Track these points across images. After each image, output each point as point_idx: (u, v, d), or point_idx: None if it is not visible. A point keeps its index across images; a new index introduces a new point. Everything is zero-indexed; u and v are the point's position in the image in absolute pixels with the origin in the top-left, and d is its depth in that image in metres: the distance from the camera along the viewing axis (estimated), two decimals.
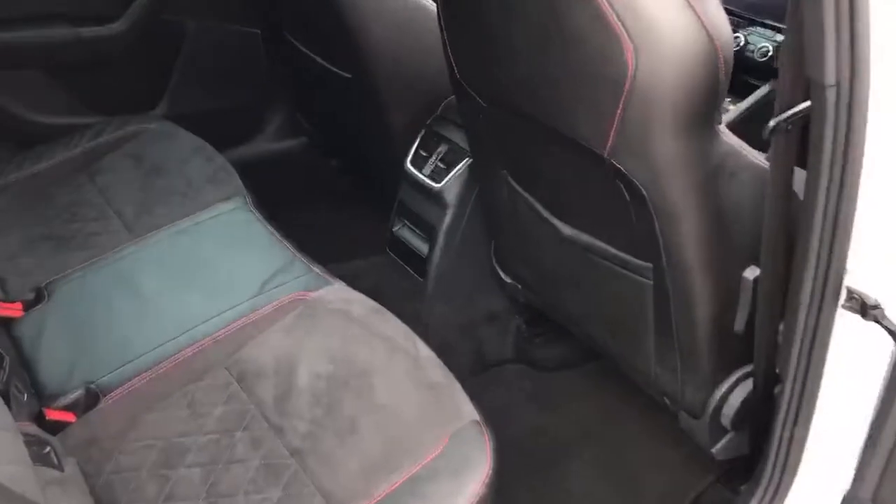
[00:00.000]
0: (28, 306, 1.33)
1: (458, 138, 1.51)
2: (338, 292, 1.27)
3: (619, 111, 0.91)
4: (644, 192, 0.97)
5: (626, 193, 1.01)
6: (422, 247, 1.56)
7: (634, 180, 0.97)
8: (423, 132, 1.57)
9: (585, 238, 1.19)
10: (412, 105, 1.57)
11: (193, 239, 1.42)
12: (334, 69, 1.65)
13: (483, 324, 1.64)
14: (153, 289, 1.31)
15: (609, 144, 0.95)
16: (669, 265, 1.04)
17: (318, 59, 1.71)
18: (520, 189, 1.29)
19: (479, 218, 1.51)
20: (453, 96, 1.51)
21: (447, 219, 1.49)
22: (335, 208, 2.06)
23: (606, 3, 0.86)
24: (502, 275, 1.53)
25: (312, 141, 2.15)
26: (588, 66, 0.92)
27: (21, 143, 1.80)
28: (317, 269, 1.33)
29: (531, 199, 1.27)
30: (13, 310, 1.32)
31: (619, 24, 0.86)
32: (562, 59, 0.94)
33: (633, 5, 0.86)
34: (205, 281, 1.31)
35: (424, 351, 1.18)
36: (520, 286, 1.51)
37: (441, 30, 1.18)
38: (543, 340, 1.65)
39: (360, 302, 1.23)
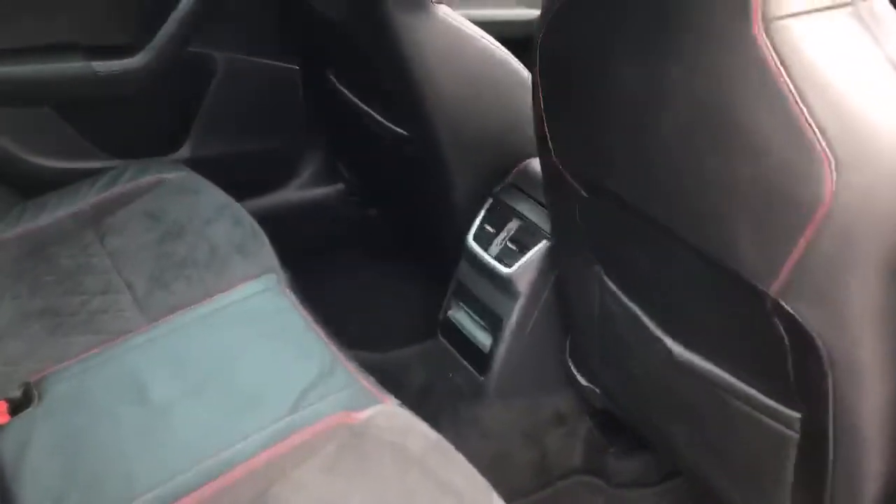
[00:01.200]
0: (14, 408, 1.10)
1: (532, 212, 1.27)
2: (390, 417, 1.02)
3: (802, 242, 0.67)
4: (819, 344, 0.73)
5: (785, 337, 0.77)
6: (482, 338, 1.32)
7: (808, 329, 0.72)
8: (489, 202, 1.33)
9: (708, 367, 0.94)
10: (478, 169, 1.33)
11: (216, 330, 1.18)
12: (386, 122, 1.42)
13: (549, 428, 1.40)
14: (165, 396, 1.07)
15: (779, 281, 0.71)
16: (838, 428, 0.79)
17: (367, 109, 1.48)
18: (618, 291, 1.05)
19: (553, 309, 1.27)
20: (528, 161, 1.28)
21: (517, 311, 1.25)
22: (377, 268, 1.83)
23: (796, 97, 0.62)
24: (577, 376, 1.29)
25: (350, 189, 1.92)
26: (763, 180, 0.68)
27: (25, 190, 1.57)
28: (363, 380, 1.09)
29: (632, 305, 1.03)
30: None
31: (814, 126, 0.63)
32: (722, 167, 0.70)
33: (837, 102, 0.62)
34: (227, 390, 1.07)
35: None
36: (598, 391, 1.26)
37: (536, 101, 0.94)
38: (619, 451, 1.40)
39: (419, 434, 0.99)
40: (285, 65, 1.73)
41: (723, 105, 0.68)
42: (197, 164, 1.69)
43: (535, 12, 1.90)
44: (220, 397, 1.07)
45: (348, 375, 1.10)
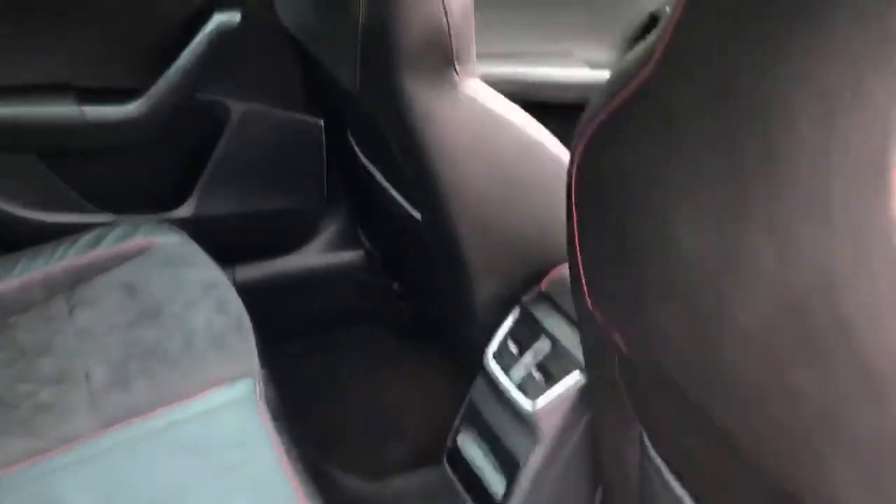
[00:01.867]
0: None
1: (565, 333, 1.04)
2: None
3: None
4: None
5: None
6: (495, 481, 1.09)
7: None
8: (516, 312, 1.11)
9: None
10: (504, 272, 1.11)
11: (164, 457, 0.97)
12: (401, 200, 1.21)
13: None
14: None
15: None
16: None
17: (383, 182, 1.27)
18: (663, 468, 0.81)
19: (582, 458, 1.03)
20: (562, 267, 1.05)
21: (539, 456, 1.02)
22: (390, 352, 1.62)
23: None
24: None
25: (371, 258, 1.71)
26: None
27: (6, 244, 1.41)
28: None
29: (682, 492, 0.79)
30: None
31: None
32: (820, 388, 0.47)
33: None
34: None
35: None
36: None
37: (570, 230, 0.71)
38: None
39: None
40: (308, 117, 1.53)
41: (830, 303, 0.45)
42: (201, 223, 1.51)
43: (592, 73, 1.69)
44: None
45: None
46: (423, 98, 0.95)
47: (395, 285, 1.73)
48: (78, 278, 1.27)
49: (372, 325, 1.79)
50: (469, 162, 1.01)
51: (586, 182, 0.67)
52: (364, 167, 1.36)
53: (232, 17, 1.37)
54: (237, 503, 0.91)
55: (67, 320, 1.22)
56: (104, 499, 0.91)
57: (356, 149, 1.37)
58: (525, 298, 1.10)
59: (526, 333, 1.08)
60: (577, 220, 0.70)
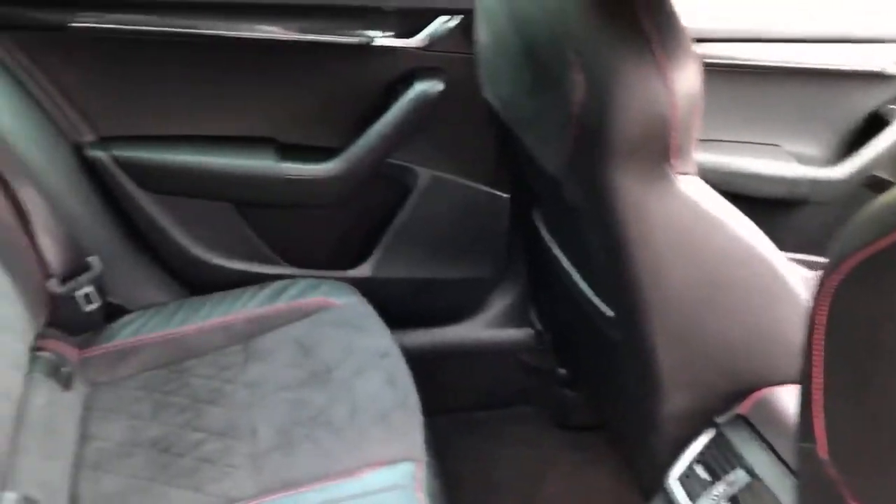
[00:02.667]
0: None
1: (766, 467, 0.92)
2: None
3: None
4: None
5: None
6: None
7: None
8: (709, 434, 1.00)
9: None
10: (700, 387, 1.00)
11: None
12: (590, 295, 1.14)
13: None
14: None
15: None
16: None
17: (571, 270, 1.21)
18: None
19: None
20: (767, 391, 0.94)
21: None
22: (553, 445, 1.54)
23: None
24: None
25: (540, 339, 1.64)
26: None
27: (190, 284, 1.45)
28: None
29: None
30: None
31: None
32: None
33: None
34: None
35: None
36: None
37: (807, 365, 0.61)
38: None
39: None
40: (495, 191, 1.50)
41: None
42: (376, 284, 1.49)
43: (801, 169, 1.55)
44: None
45: None
46: (634, 191, 0.88)
47: (562, 371, 1.65)
48: (256, 329, 1.29)
49: (532, 409, 1.71)
50: (674, 260, 0.93)
51: (842, 321, 0.57)
52: (548, 248, 1.30)
53: (433, 86, 1.37)
54: None
55: (241, 371, 1.22)
56: None
57: (542, 229, 1.32)
58: (721, 419, 0.99)
59: (719, 459, 0.96)
60: (825, 358, 0.60)
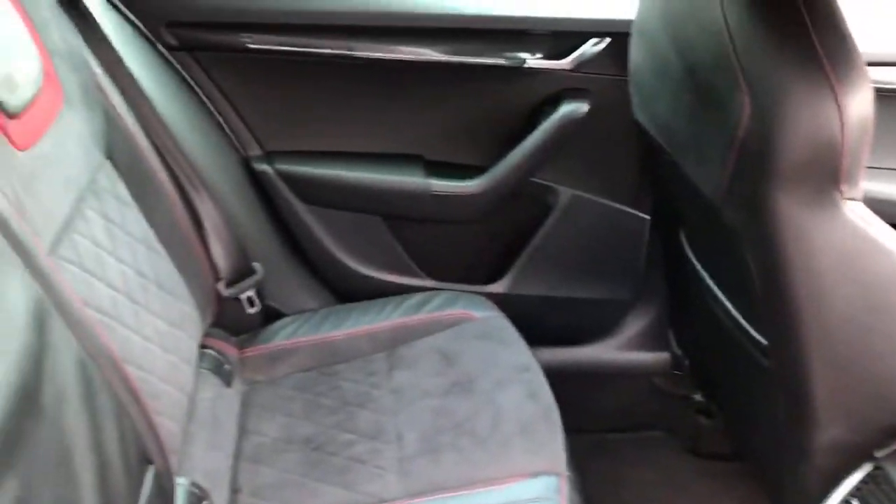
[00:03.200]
0: None
1: None
2: None
3: None
4: None
5: None
6: None
7: None
8: (865, 468, 0.97)
9: None
10: (857, 419, 0.98)
11: None
12: (741, 321, 1.13)
13: None
14: None
15: None
16: None
17: (720, 295, 1.19)
18: None
19: None
20: None
21: None
22: (687, 470, 1.52)
23: None
24: None
25: (677, 363, 1.62)
26: None
27: (337, 292, 1.53)
28: None
29: None
30: None
31: None
32: None
33: None
34: None
35: None
36: None
37: None
38: None
39: None
40: (635, 212, 1.50)
41: None
42: (513, 301, 1.52)
43: None
44: None
45: None
46: (798, 216, 0.88)
47: (698, 396, 1.62)
48: (400, 338, 1.34)
49: (665, 434, 1.69)
50: (837, 286, 0.91)
51: None
52: (694, 271, 1.29)
53: (579, 107, 1.39)
54: None
55: (386, 377, 1.27)
56: None
57: (689, 252, 1.31)
58: (880, 454, 0.96)
59: (878, 496, 0.93)
60: None
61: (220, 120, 1.37)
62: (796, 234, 0.88)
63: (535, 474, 1.06)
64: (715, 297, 1.20)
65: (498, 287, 1.55)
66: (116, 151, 1.09)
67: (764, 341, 1.05)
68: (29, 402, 0.71)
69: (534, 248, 1.54)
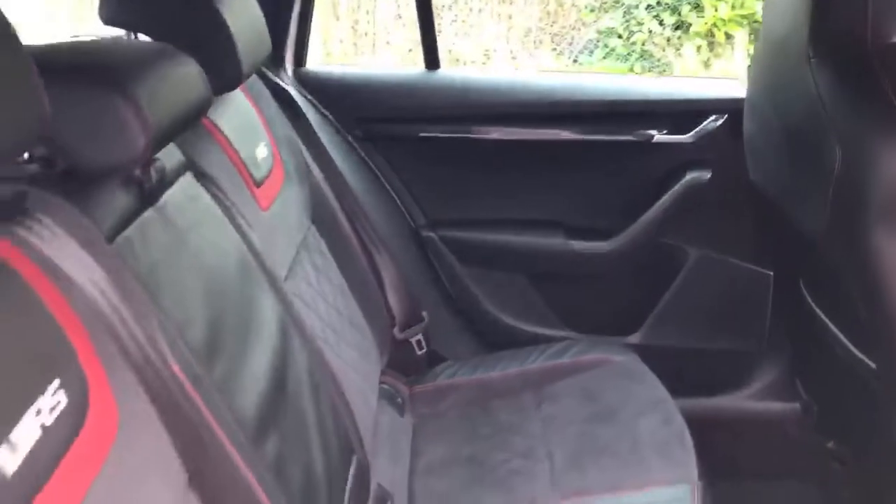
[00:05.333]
0: None
1: None
2: None
3: None
4: None
5: None
6: None
7: None
8: None
9: None
10: None
11: None
12: (854, 350, 1.25)
13: None
14: None
15: None
16: None
17: (834, 328, 1.33)
18: None
19: None
20: None
21: None
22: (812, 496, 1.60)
23: None
24: None
25: (807, 411, 1.72)
26: None
27: (487, 342, 1.75)
28: None
29: None
30: None
31: None
32: None
33: None
34: None
35: None
36: None
37: None
38: None
39: None
40: (758, 268, 1.66)
41: None
42: (646, 352, 1.68)
43: None
44: None
45: None
46: (890, 248, 1.03)
47: (831, 444, 1.70)
48: (546, 379, 1.53)
49: (800, 483, 1.76)
50: None
51: None
52: (814, 316, 1.42)
53: (702, 175, 1.59)
54: None
55: (535, 410, 1.46)
56: None
57: (808, 297, 1.45)
58: None
59: None
60: None
61: (395, 196, 1.66)
62: (889, 261, 1.04)
63: (671, 483, 1.21)
64: (831, 332, 1.33)
65: (633, 339, 1.73)
66: (318, 217, 1.38)
67: (873, 365, 1.18)
68: (280, 387, 0.96)
69: (666, 303, 1.71)
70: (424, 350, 1.58)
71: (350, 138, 1.62)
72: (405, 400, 1.53)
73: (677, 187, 1.59)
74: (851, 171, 1.02)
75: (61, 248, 0.66)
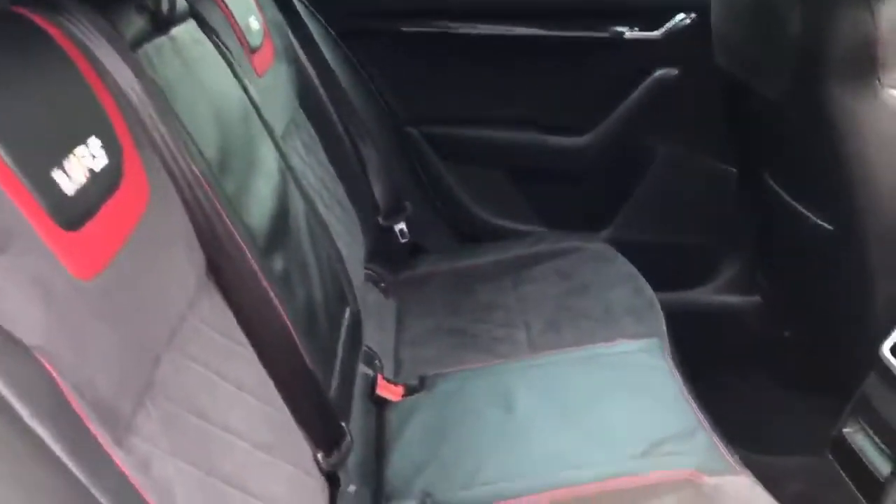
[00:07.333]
0: (408, 393, 1.26)
1: None
2: (742, 488, 0.94)
3: None
4: None
5: None
6: (881, 464, 1.14)
7: None
8: None
9: None
10: None
11: (589, 371, 1.22)
12: (813, 217, 1.35)
13: None
14: (528, 411, 1.14)
15: None
16: None
17: (794, 203, 1.42)
18: None
19: None
20: None
21: None
22: (769, 381, 1.70)
23: None
24: None
25: (766, 303, 1.82)
26: None
27: (465, 236, 1.82)
28: (723, 448, 1.03)
29: None
30: (394, 392, 1.26)
31: None
32: None
33: None
34: (585, 420, 1.10)
35: None
36: None
37: None
38: None
39: None
40: (723, 166, 1.75)
41: None
42: (615, 247, 1.77)
43: None
44: (576, 424, 1.10)
45: (708, 441, 1.04)
46: (846, 104, 1.12)
47: (788, 333, 1.81)
48: (523, 264, 1.60)
49: (753, 371, 1.86)
50: (884, 167, 1.14)
51: None
52: (774, 200, 1.51)
53: (670, 72, 1.66)
54: (646, 408, 1.11)
55: (513, 290, 1.54)
56: (543, 388, 1.18)
57: (769, 182, 1.54)
58: None
59: None
60: None
61: (378, 90, 1.72)
62: (847, 122, 1.12)
63: (642, 336, 1.30)
64: (793, 209, 1.42)
65: (604, 234, 1.81)
66: (304, 102, 1.43)
67: (831, 227, 1.27)
68: (282, 219, 1.02)
69: (634, 201, 1.80)
70: (408, 239, 1.65)
71: (334, 33, 1.67)
72: (389, 285, 1.60)
73: (647, 83, 1.66)
74: (813, 31, 1.11)
75: (96, 44, 0.72)
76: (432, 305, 1.55)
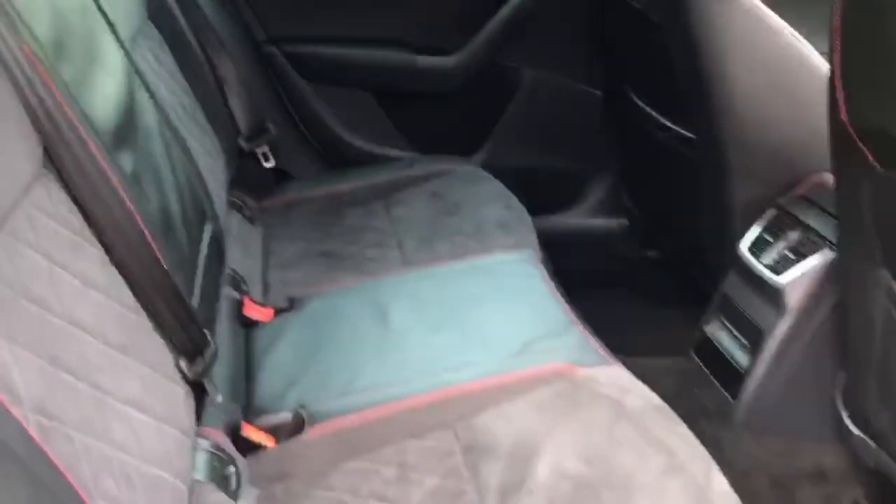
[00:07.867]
0: (277, 314, 1.21)
1: (820, 222, 1.15)
2: (613, 376, 0.96)
3: None
4: None
5: None
6: (740, 357, 1.20)
7: None
8: (771, 213, 1.23)
9: None
10: (765, 176, 1.23)
11: (464, 280, 1.21)
12: (675, 127, 1.39)
13: (804, 483, 1.22)
14: (404, 322, 1.11)
15: None
16: None
17: (659, 118, 1.45)
18: None
19: (827, 336, 1.11)
20: (822, 173, 1.16)
21: (783, 326, 1.12)
22: (636, 298, 1.76)
23: None
24: (849, 423, 1.11)
25: (632, 226, 1.88)
26: None
27: (333, 161, 1.77)
28: (594, 342, 1.04)
29: None
30: (262, 314, 1.21)
31: None
32: None
33: None
34: (461, 326, 1.09)
35: (719, 486, 0.83)
36: (874, 444, 1.07)
37: (835, 54, 0.85)
38: None
39: (639, 394, 0.92)
40: (589, 89, 1.77)
41: None
42: (486, 171, 1.77)
43: None
44: (452, 332, 1.08)
45: (580, 337, 1.06)
46: (704, 6, 1.14)
47: (653, 254, 1.87)
48: (393, 188, 1.57)
49: (619, 290, 1.92)
50: (739, 68, 1.17)
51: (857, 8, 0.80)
52: (638, 115, 1.54)
53: None
54: (520, 311, 1.11)
55: (385, 213, 1.51)
56: (418, 301, 1.16)
57: (633, 98, 1.56)
58: (782, 200, 1.22)
59: (781, 226, 1.19)
60: (840, 42, 0.84)
61: (237, 7, 1.62)
62: (704, 22, 1.14)
63: (515, 247, 1.30)
64: (655, 121, 1.45)
65: (475, 160, 1.80)
66: (158, 17, 1.32)
67: (690, 135, 1.31)
68: (130, 122, 0.94)
69: (503, 125, 1.79)
70: (272, 164, 1.58)
71: None
72: (254, 212, 1.53)
73: (510, 5, 1.65)
74: None
75: None
76: (301, 230, 1.49)
